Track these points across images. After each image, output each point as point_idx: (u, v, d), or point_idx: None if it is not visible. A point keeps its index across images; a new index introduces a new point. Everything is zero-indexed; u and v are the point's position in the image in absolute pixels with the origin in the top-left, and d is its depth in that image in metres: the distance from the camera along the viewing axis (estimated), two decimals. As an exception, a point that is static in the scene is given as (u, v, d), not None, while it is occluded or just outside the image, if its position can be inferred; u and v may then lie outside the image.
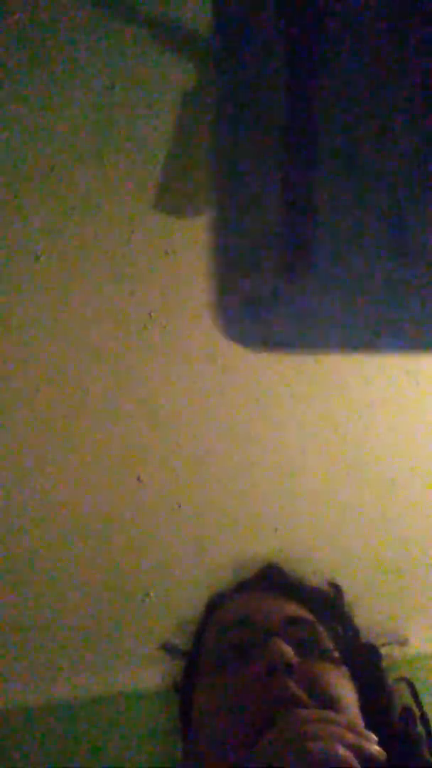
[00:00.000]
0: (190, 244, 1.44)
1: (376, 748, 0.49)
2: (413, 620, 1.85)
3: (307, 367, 1.59)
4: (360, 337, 0.41)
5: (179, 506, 1.71)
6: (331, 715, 0.51)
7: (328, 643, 0.61)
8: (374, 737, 0.50)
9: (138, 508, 1.70)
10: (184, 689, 0.65)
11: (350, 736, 0.48)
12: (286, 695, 0.53)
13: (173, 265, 1.46)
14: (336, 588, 0.71)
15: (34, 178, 1.35)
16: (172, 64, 1.26)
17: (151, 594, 1.79)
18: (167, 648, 0.69)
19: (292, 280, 0.40)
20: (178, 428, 1.63)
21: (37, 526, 1.69)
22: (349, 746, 0.47)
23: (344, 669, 0.60)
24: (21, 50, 1.24)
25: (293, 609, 0.63)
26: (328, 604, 0.68)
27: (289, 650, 0.55)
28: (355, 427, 1.68)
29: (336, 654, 0.61)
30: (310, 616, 0.63)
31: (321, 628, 0.63)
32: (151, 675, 1.82)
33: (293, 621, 0.62)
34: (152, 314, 1.51)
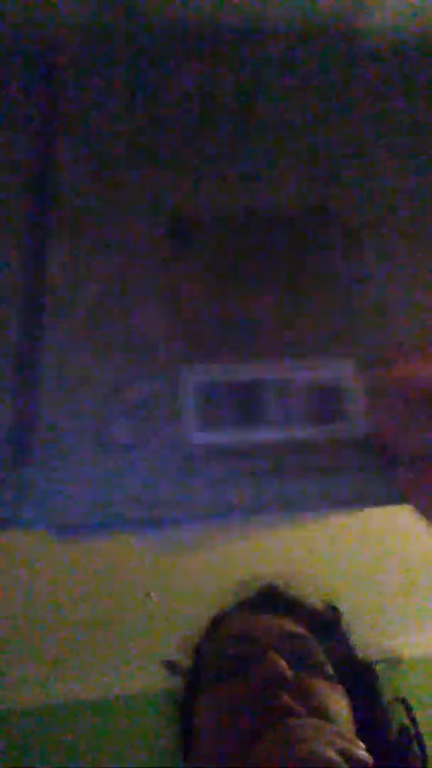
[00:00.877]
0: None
1: (364, 754, 0.50)
2: (413, 619, 1.86)
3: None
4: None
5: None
6: (320, 722, 0.53)
7: (324, 659, 0.63)
8: (362, 744, 0.52)
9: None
10: (184, 704, 0.67)
11: (339, 741, 0.50)
12: (281, 707, 0.55)
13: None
14: (334, 609, 0.73)
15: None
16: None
17: (152, 594, 1.79)
18: (167, 666, 0.71)
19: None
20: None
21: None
22: (338, 750, 0.49)
23: (339, 687, 0.62)
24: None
25: (290, 626, 0.65)
26: (326, 623, 0.70)
27: (283, 664, 0.57)
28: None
29: (331, 670, 0.62)
30: (306, 633, 0.65)
31: (317, 644, 0.64)
32: (151, 676, 1.84)
33: (290, 636, 0.63)
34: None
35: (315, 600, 0.72)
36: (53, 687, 1.89)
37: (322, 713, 0.56)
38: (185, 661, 0.69)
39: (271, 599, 0.70)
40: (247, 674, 0.58)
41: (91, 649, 1.85)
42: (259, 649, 0.60)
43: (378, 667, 0.69)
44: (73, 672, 1.88)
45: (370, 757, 0.51)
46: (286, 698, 0.55)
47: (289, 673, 0.57)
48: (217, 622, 0.70)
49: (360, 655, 0.69)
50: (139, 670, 1.86)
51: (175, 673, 0.70)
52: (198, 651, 0.69)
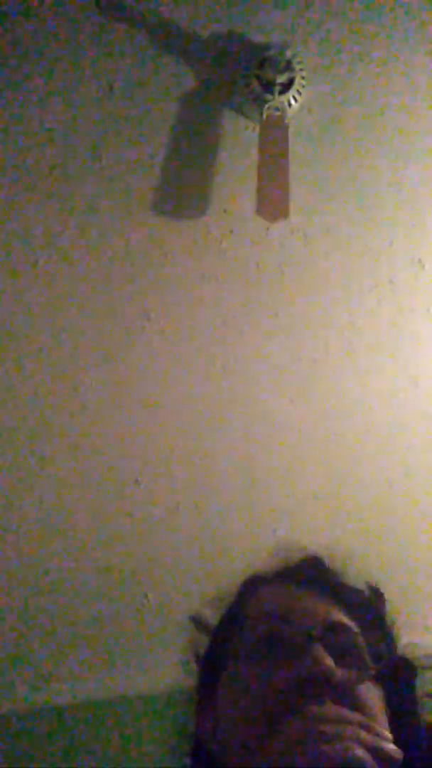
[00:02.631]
0: (188, 245, 1.43)
1: (392, 747, 0.48)
2: (415, 620, 1.80)
3: (304, 368, 1.58)
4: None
5: (177, 508, 1.68)
6: (346, 712, 0.50)
7: (368, 659, 0.60)
8: (389, 735, 0.50)
9: (136, 510, 1.67)
10: (207, 662, 0.64)
11: (366, 736, 0.47)
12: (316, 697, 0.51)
13: (172, 266, 1.45)
14: (378, 594, 0.69)
15: (34, 179, 1.34)
16: (171, 65, 1.27)
17: (150, 596, 1.76)
18: (195, 620, 0.67)
19: None
20: (177, 430, 1.61)
21: (35, 528, 1.67)
22: (366, 746, 0.47)
23: (377, 687, 0.58)
24: (21, 51, 1.24)
25: (336, 614, 0.62)
26: (370, 610, 0.66)
27: (332, 664, 0.54)
28: (354, 428, 1.66)
29: (373, 671, 0.58)
30: (352, 625, 0.61)
31: (362, 639, 0.61)
32: (150, 678, 1.82)
33: (335, 627, 0.60)
34: (151, 315, 1.49)
35: (360, 582, 0.68)
36: (51, 689, 1.85)
37: (358, 711, 0.52)
38: (214, 618, 0.66)
39: (315, 575, 0.66)
40: (286, 660, 0.55)
41: (88, 651, 1.82)
42: (301, 635, 0.56)
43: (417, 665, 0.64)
44: (71, 674, 1.84)
45: (399, 750, 0.48)
46: (328, 701, 0.52)
47: (337, 674, 0.53)
48: (253, 586, 0.66)
49: (400, 650, 0.66)
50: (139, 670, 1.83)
51: (201, 630, 0.66)
52: (231, 613, 0.65)
